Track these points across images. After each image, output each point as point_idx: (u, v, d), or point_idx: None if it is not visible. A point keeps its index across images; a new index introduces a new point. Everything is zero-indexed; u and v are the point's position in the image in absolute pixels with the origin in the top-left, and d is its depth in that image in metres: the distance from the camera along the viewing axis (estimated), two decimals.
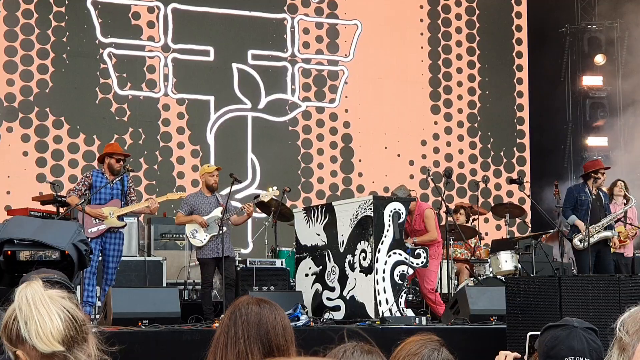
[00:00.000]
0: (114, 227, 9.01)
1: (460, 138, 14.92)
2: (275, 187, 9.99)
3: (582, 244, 9.84)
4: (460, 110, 14.96)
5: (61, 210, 10.05)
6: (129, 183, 9.31)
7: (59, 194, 10.44)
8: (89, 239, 8.51)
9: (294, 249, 10.08)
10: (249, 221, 12.77)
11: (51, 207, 10.32)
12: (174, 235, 11.49)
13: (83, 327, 2.13)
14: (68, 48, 12.87)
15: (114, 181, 9.09)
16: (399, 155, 14.36)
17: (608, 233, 9.99)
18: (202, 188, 9.81)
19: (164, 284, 10.43)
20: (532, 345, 2.97)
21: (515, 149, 15.23)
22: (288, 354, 2.58)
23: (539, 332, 2.90)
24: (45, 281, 3.06)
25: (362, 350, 2.39)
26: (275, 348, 2.56)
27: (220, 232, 9.23)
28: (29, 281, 2.14)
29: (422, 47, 14.87)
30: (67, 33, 12.90)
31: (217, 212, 9.46)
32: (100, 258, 8.96)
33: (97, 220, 8.91)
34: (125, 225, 9.24)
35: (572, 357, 2.80)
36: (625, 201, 10.99)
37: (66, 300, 2.12)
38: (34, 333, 2.05)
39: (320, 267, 9.24)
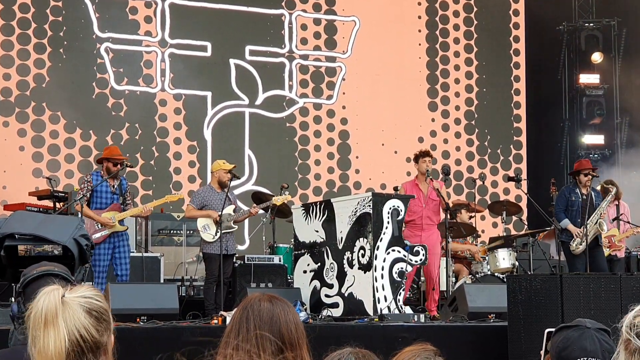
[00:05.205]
0: (117, 231, 9.02)
1: (458, 135, 14.91)
2: (287, 192, 10.04)
3: (580, 246, 9.79)
4: (457, 108, 14.96)
5: (58, 205, 10.02)
6: (127, 187, 9.32)
7: (55, 189, 10.40)
8: (97, 244, 8.59)
9: (292, 246, 10.05)
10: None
11: (48, 202, 10.28)
12: (171, 231, 11.47)
13: (94, 346, 2.13)
14: (65, 43, 12.81)
15: (114, 186, 9.11)
16: (396, 152, 14.34)
17: (596, 226, 9.98)
18: (212, 183, 9.78)
19: (162, 280, 10.40)
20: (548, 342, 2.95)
21: (512, 146, 15.24)
22: (300, 350, 2.57)
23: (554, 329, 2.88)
24: (46, 274, 3.03)
25: (356, 357, 2.37)
26: (288, 344, 2.54)
27: (233, 229, 9.42)
28: (50, 290, 2.14)
29: (419, 44, 14.86)
30: (64, 27, 12.84)
31: (230, 209, 9.48)
32: (109, 257, 8.99)
33: (99, 225, 8.90)
34: (127, 228, 9.24)
35: (585, 358, 2.78)
36: (617, 202, 10.97)
37: (82, 317, 2.12)
38: (37, 352, 2.09)
39: (319, 264, 9.22)
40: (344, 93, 14.31)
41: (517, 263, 10.79)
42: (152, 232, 11.24)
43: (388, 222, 8.64)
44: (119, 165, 9.11)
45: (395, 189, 10.51)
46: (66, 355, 2.08)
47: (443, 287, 10.12)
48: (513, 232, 13.36)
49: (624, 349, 2.35)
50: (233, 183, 9.89)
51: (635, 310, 2.38)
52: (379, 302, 8.46)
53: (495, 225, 14.39)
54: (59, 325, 2.08)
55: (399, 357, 2.44)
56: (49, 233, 5.91)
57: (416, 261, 8.78)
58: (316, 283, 9.21)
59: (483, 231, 13.78)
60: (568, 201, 9.99)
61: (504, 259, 10.72)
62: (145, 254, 10.68)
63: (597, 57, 15.80)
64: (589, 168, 10.17)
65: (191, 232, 11.34)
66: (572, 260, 9.92)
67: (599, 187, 10.70)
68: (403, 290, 8.79)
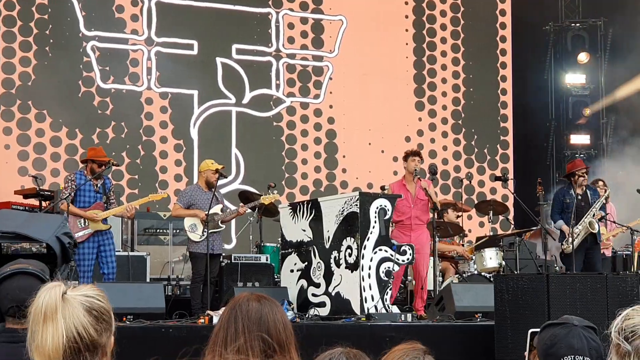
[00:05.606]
0: (100, 230, 8.97)
1: (444, 135, 14.93)
2: (276, 191, 10.03)
3: (570, 245, 9.89)
4: (444, 107, 14.97)
5: (44, 204, 9.97)
6: (110, 186, 9.28)
7: (41, 187, 10.35)
8: (80, 243, 8.54)
9: (279, 245, 10.04)
10: None
11: (34, 201, 10.22)
12: (157, 230, 11.42)
13: (92, 345, 2.13)
14: (51, 41, 12.74)
15: (97, 185, 9.06)
16: (383, 152, 14.34)
17: (586, 226, 10.06)
18: (199, 182, 9.77)
19: (148, 279, 10.36)
20: (532, 342, 2.95)
21: (498, 146, 15.27)
22: (289, 349, 2.56)
23: (539, 329, 2.87)
24: (19, 272, 2.99)
25: (347, 357, 2.36)
26: (276, 344, 2.54)
27: (220, 229, 9.39)
28: (52, 286, 2.14)
29: (406, 44, 14.86)
30: (50, 26, 12.76)
31: (217, 209, 9.45)
32: (94, 256, 8.94)
33: (82, 224, 8.85)
34: (110, 227, 9.19)
35: (572, 356, 2.77)
36: (604, 200, 11.07)
37: (82, 315, 2.12)
38: (35, 347, 2.10)
39: (306, 263, 9.21)
40: (331, 92, 14.30)
41: (503, 262, 10.82)
42: (138, 231, 11.19)
43: (375, 222, 8.64)
44: (103, 167, 9.06)
45: (383, 188, 10.50)
46: (63, 351, 2.08)
47: (430, 287, 10.13)
48: (500, 232, 13.39)
49: (615, 353, 2.36)
50: (219, 182, 9.86)
51: (623, 315, 2.38)
52: (365, 302, 8.46)
53: (482, 224, 14.42)
54: (58, 321, 2.09)
55: (389, 356, 2.44)
56: (32, 231, 5.87)
57: (403, 260, 8.78)
58: (303, 282, 9.20)
59: (470, 230, 13.82)
60: (563, 204, 10.12)
61: (491, 258, 10.74)
62: (131, 253, 10.64)
63: (583, 57, 15.86)
64: (583, 168, 10.31)
65: (177, 231, 11.30)
66: (567, 259, 10.07)
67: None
68: (390, 289, 8.79)
